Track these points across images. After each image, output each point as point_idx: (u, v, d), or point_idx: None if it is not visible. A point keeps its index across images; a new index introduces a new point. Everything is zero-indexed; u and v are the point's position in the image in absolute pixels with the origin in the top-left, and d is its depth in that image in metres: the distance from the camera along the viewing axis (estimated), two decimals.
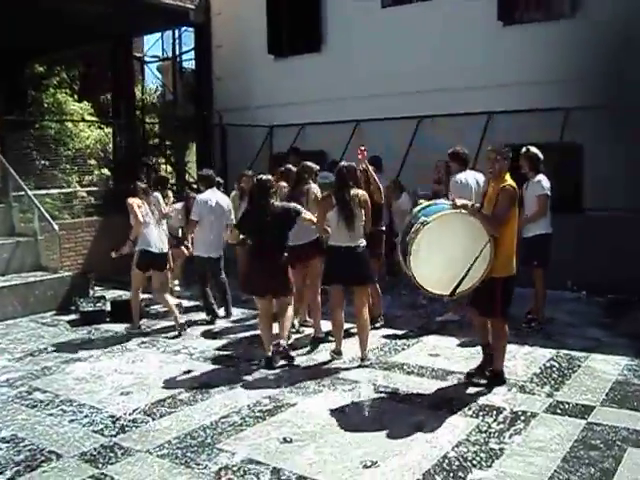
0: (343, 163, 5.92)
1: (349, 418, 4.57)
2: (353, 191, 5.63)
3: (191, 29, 13.19)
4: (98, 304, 7.49)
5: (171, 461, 3.98)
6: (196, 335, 6.85)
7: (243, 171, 8.41)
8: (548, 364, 5.60)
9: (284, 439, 4.24)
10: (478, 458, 3.92)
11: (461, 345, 6.23)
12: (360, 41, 11.32)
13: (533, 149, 6.69)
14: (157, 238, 6.86)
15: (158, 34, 14.33)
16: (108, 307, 7.61)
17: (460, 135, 9.74)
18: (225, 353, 6.21)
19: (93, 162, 15.30)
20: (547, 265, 6.62)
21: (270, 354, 5.69)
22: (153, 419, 4.64)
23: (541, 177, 6.62)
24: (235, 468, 3.87)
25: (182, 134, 13.25)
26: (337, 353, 5.88)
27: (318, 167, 6.78)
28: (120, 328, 7.06)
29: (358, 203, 5.60)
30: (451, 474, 3.74)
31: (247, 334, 6.80)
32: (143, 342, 6.62)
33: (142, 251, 6.79)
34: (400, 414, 4.62)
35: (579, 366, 5.52)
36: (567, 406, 4.68)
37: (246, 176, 7.93)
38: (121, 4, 10.19)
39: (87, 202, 12.64)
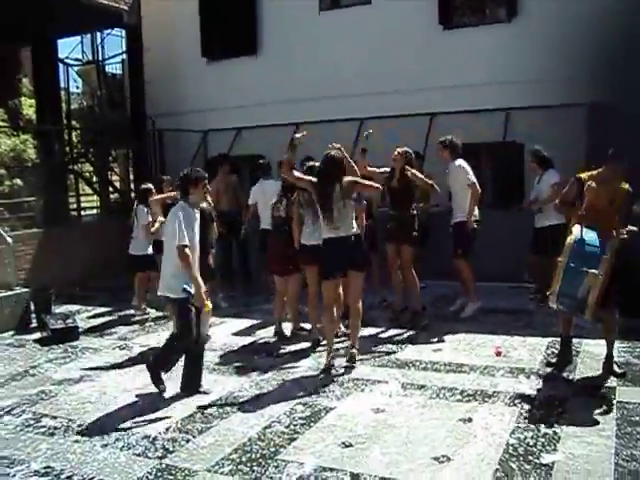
0: (331, 152, 5.57)
1: (395, 417, 4.56)
2: (338, 184, 5.43)
3: (115, 32, 12.61)
4: (68, 320, 6.99)
5: (241, 477, 3.81)
6: None
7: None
8: (549, 351, 5.86)
9: (343, 444, 4.17)
10: (540, 443, 4.05)
11: (456, 338, 6.39)
12: (298, 45, 11.28)
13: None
14: None
15: (77, 37, 13.53)
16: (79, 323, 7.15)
17: (405, 136, 10.04)
18: (227, 362, 6.01)
19: (3, 172, 14.28)
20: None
21: None
22: (193, 436, 4.41)
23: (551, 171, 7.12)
24: (312, 478, 3.76)
25: (108, 141, 12.64)
26: (328, 368, 5.54)
27: None
28: (100, 344, 6.65)
29: (342, 194, 5.42)
30: (524, 460, 3.84)
31: (237, 341, 6.66)
32: (130, 358, 6.27)
33: None
34: (442, 408, 4.67)
35: (578, 351, 5.81)
36: (590, 389, 4.93)
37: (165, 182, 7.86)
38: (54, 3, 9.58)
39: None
